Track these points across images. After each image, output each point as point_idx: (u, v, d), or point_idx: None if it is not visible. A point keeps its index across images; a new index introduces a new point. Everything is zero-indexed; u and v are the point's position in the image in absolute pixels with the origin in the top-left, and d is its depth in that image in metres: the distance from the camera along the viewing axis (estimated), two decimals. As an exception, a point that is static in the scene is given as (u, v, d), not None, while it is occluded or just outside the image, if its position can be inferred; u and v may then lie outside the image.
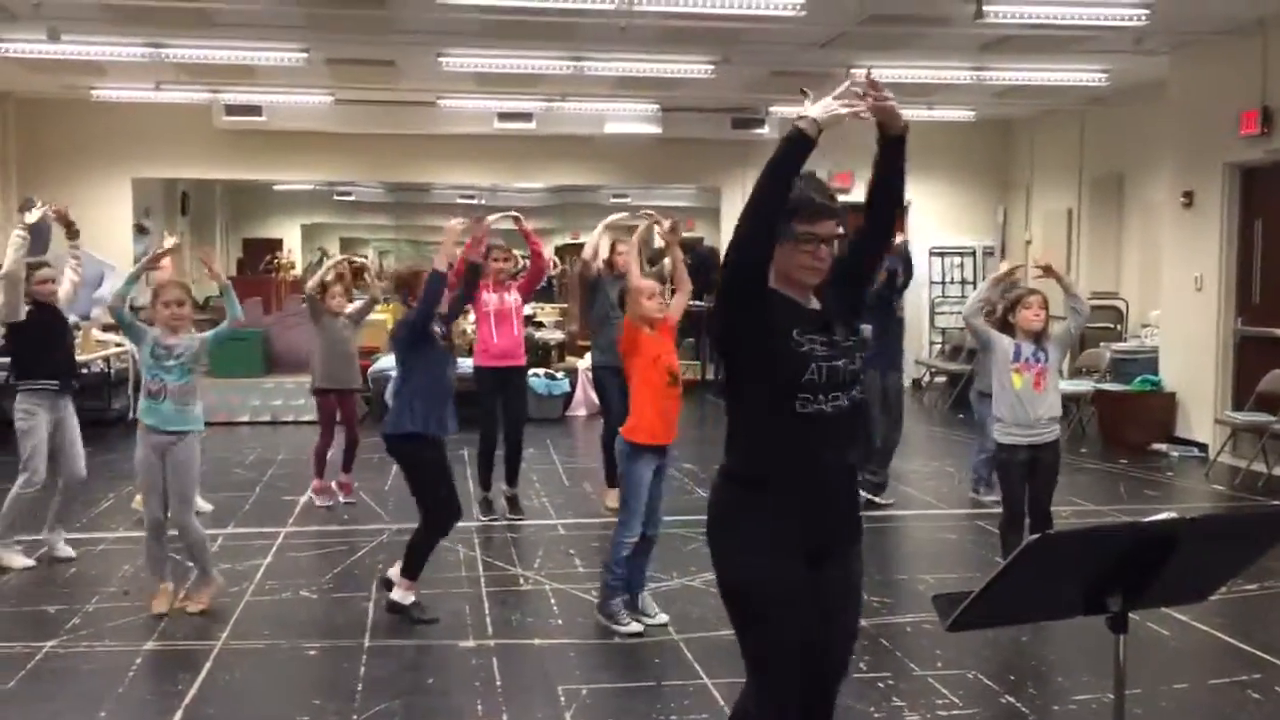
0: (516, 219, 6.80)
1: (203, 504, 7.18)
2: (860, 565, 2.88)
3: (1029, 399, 5.27)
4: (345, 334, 7.58)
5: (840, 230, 2.75)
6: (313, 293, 7.54)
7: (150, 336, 5.19)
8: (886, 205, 2.90)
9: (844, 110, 2.73)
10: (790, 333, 2.70)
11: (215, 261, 7.02)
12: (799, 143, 2.66)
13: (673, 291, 5.49)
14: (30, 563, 6.01)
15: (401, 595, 5.20)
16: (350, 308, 7.66)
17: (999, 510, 5.63)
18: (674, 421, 5.07)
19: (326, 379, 7.56)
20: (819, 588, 2.72)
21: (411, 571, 5.20)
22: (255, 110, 12.37)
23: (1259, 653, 4.86)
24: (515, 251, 7.92)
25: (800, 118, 2.70)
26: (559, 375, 11.82)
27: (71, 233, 6.20)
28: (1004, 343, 5.35)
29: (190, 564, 5.43)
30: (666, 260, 5.38)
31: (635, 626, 5.05)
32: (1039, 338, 5.37)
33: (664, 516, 5.16)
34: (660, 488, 5.09)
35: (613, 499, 7.31)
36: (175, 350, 5.17)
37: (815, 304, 2.82)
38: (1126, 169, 12.08)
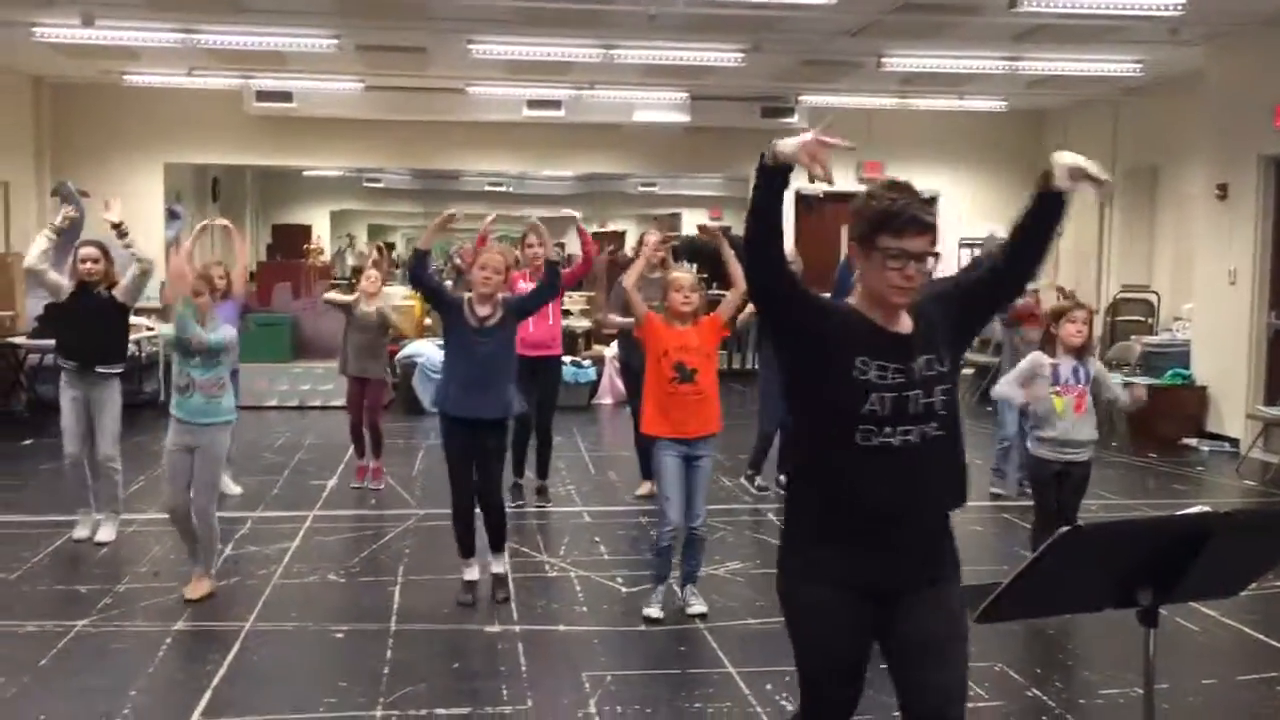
0: (573, 218, 6.79)
1: (233, 487, 7.25)
2: (941, 619, 2.57)
3: (1069, 421, 5.20)
4: (370, 324, 7.59)
5: (934, 247, 2.52)
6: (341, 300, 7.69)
7: (184, 321, 5.16)
8: (1030, 258, 2.69)
9: (810, 147, 2.50)
10: (852, 359, 2.51)
11: (241, 241, 7.03)
12: (761, 171, 2.53)
13: (708, 283, 5.42)
14: (86, 534, 6.13)
15: (463, 570, 5.34)
16: (376, 305, 7.67)
17: (1021, 503, 5.60)
18: (687, 417, 4.99)
19: (349, 366, 7.63)
20: (888, 634, 2.59)
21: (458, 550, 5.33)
22: (286, 96, 12.42)
23: (1289, 650, 4.82)
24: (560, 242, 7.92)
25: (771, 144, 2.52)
26: (585, 363, 11.83)
27: (120, 233, 6.07)
28: (1044, 369, 5.26)
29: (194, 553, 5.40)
30: (677, 274, 5.24)
31: (651, 612, 5.06)
32: (1080, 353, 5.29)
33: (700, 509, 5.08)
34: (695, 480, 5.04)
35: (643, 489, 7.35)
36: (198, 343, 5.14)
37: (905, 325, 2.59)
38: (1160, 161, 11.96)
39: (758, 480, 7.62)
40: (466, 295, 5.28)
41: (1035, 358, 5.32)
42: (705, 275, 14.54)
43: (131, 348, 10.54)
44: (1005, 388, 5.40)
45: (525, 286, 7.02)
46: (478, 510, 5.30)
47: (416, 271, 5.30)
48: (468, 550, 5.33)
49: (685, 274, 5.22)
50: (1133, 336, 11.36)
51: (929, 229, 2.51)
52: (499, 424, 5.25)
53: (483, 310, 5.19)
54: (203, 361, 5.16)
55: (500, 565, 5.41)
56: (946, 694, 2.57)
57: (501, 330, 5.21)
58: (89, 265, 6.04)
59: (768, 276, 2.56)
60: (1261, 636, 5.00)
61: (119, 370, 6.17)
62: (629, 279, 5.27)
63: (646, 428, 5.07)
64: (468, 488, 5.24)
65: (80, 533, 6.16)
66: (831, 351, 2.53)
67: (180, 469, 5.20)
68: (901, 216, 2.49)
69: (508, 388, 5.27)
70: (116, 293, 6.09)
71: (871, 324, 2.57)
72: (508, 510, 5.54)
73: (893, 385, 2.51)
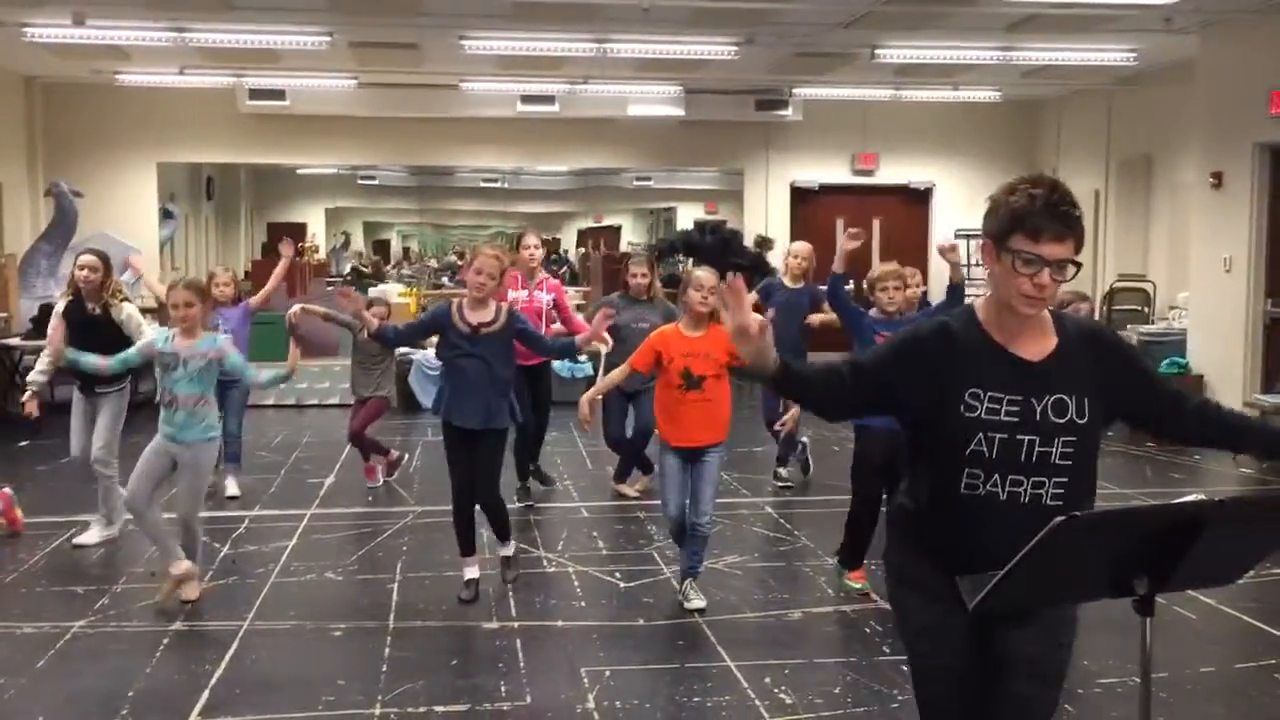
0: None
1: (234, 488, 7.23)
2: (1037, 644, 2.42)
3: None
4: (372, 350, 7.53)
5: (1076, 254, 2.28)
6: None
7: (153, 349, 5.16)
8: (1189, 441, 2.58)
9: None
10: (963, 392, 2.30)
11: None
12: (773, 384, 2.42)
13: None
14: (96, 538, 6.12)
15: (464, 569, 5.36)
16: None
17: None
18: (693, 425, 4.99)
19: (353, 386, 7.62)
20: (987, 648, 2.44)
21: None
22: (279, 94, 12.41)
23: (1287, 637, 4.82)
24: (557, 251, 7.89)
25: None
26: (582, 359, 11.81)
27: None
28: None
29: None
30: (699, 272, 5.22)
31: (695, 602, 5.08)
32: None
33: (706, 507, 5.07)
34: (702, 476, 5.02)
35: (644, 483, 7.37)
36: (184, 357, 5.09)
37: (1037, 349, 2.34)
38: (1155, 150, 11.96)
39: (784, 473, 7.67)
40: (454, 302, 5.26)
41: None
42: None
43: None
44: None
45: (515, 295, 7.01)
46: (477, 509, 5.30)
47: (390, 345, 5.36)
48: (467, 548, 5.32)
49: (708, 274, 5.12)
50: (1129, 326, 11.35)
51: (1070, 234, 2.25)
52: (493, 431, 5.21)
53: (476, 316, 5.15)
54: (188, 376, 5.11)
55: (508, 549, 5.45)
56: (1020, 703, 2.44)
57: (498, 339, 5.15)
58: (86, 273, 5.95)
59: (858, 414, 2.47)
60: (1259, 624, 5.00)
61: (119, 388, 6.09)
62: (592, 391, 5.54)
63: (660, 431, 5.10)
64: (465, 487, 5.24)
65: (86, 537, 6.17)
66: (948, 381, 2.32)
67: (153, 469, 5.15)
68: (1042, 216, 2.23)
69: (504, 396, 5.20)
70: (115, 315, 5.99)
71: (992, 344, 2.35)
72: (514, 508, 5.54)
73: (1005, 425, 2.29)
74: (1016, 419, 2.30)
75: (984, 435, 2.29)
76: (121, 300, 6.05)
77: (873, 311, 5.41)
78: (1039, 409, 2.31)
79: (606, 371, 7.11)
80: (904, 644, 2.57)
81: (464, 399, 5.12)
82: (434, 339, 5.87)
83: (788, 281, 7.52)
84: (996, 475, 2.30)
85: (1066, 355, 2.37)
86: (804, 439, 7.82)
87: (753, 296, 7.56)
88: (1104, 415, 2.39)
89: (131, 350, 5.34)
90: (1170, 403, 2.49)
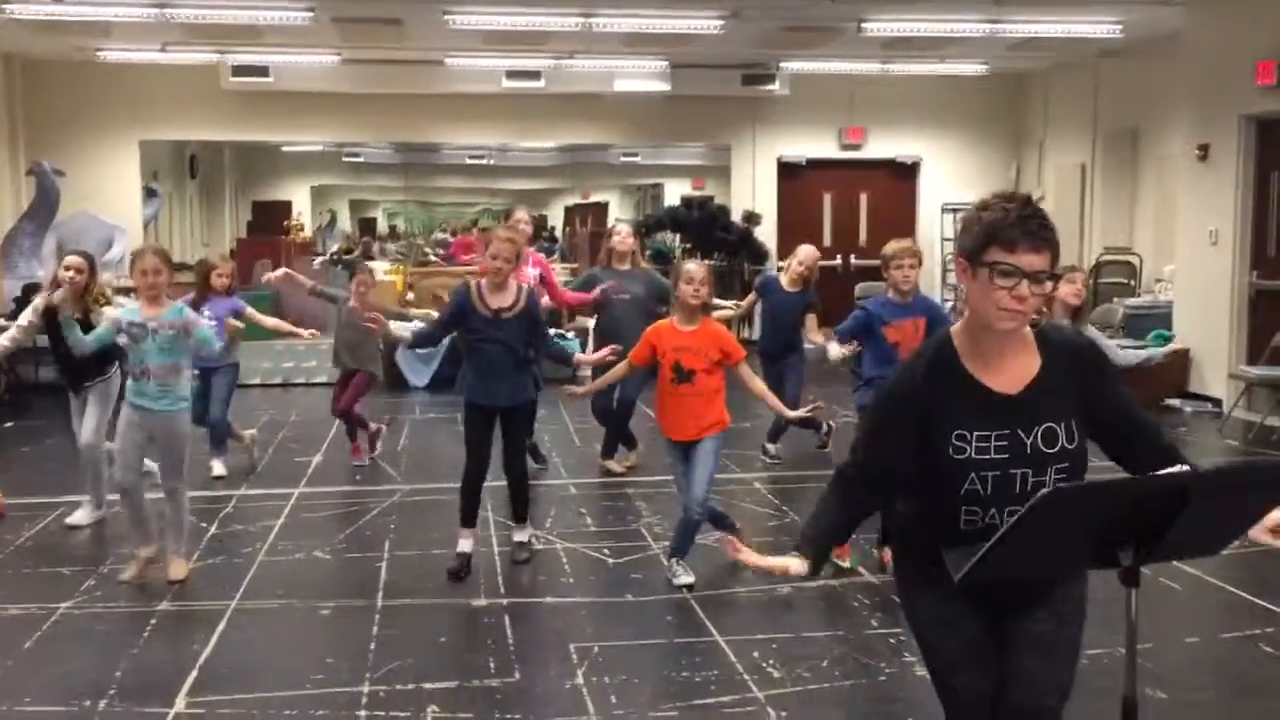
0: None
1: (219, 468, 7.21)
2: (1044, 623, 2.46)
3: None
4: (355, 320, 7.50)
5: (1053, 268, 2.26)
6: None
7: (119, 324, 5.08)
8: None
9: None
10: (950, 434, 2.30)
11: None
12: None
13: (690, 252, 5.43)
14: (88, 518, 6.10)
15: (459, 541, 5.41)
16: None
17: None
18: (686, 418, 5.00)
19: (337, 360, 7.58)
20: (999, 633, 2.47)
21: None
22: (262, 71, 12.30)
23: (1272, 607, 4.85)
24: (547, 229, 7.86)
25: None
26: (570, 335, 11.79)
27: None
28: None
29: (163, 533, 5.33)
30: (689, 265, 5.22)
31: (683, 579, 5.09)
32: (1076, 315, 5.27)
33: (698, 492, 5.03)
34: (696, 462, 5.01)
35: (633, 458, 7.38)
36: (152, 327, 5.03)
37: (1020, 376, 2.33)
38: (1141, 122, 11.94)
39: (772, 449, 7.67)
40: (472, 284, 5.30)
41: None
42: (689, 245, 14.57)
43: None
44: None
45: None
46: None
47: (431, 345, 5.41)
48: (469, 520, 5.35)
49: (699, 266, 5.12)
50: (1115, 299, 11.37)
51: (1046, 246, 2.23)
52: (521, 406, 5.40)
53: (496, 300, 5.22)
54: (157, 346, 5.05)
55: (524, 534, 5.52)
56: (1029, 677, 2.45)
57: (518, 322, 5.23)
58: (72, 274, 5.74)
59: (889, 495, 2.48)
60: (1244, 594, 5.03)
61: (104, 378, 6.01)
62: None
63: (658, 424, 5.14)
64: (482, 460, 5.30)
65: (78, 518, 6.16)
66: (930, 430, 2.32)
67: (133, 448, 5.12)
68: (1016, 228, 2.21)
69: (527, 371, 5.35)
70: (95, 320, 5.82)
71: (970, 381, 2.33)
72: (493, 485, 5.54)
73: (995, 462, 2.29)
74: (1007, 455, 2.30)
75: (976, 475, 2.29)
76: (103, 306, 5.94)
77: (889, 293, 5.35)
78: (1028, 442, 2.31)
79: (597, 344, 7.11)
80: (922, 642, 2.54)
81: (490, 381, 5.22)
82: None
83: (785, 283, 7.41)
84: (994, 509, 2.31)
85: (1051, 379, 2.36)
86: (831, 423, 7.90)
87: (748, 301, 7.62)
88: (1088, 433, 2.41)
89: (100, 329, 5.25)
90: (1145, 434, 2.50)
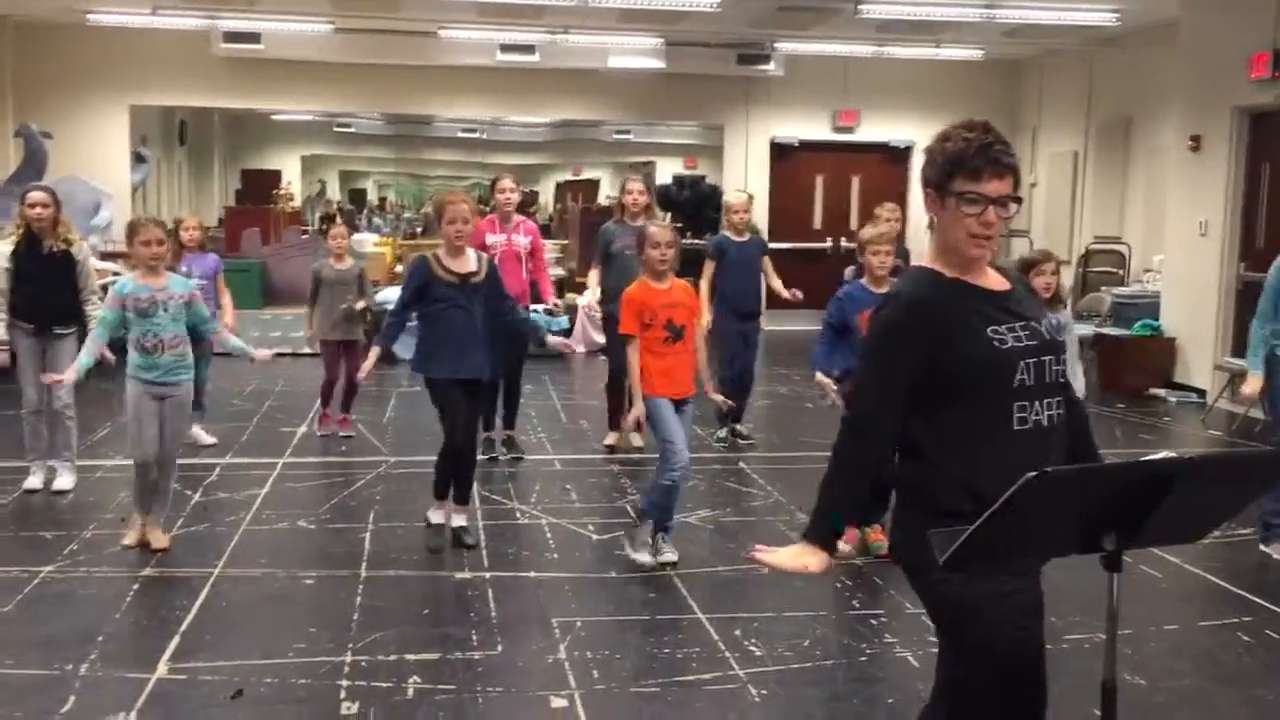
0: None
1: (206, 437, 7.19)
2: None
3: None
4: (349, 283, 7.49)
5: (1016, 192, 2.32)
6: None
7: (123, 300, 5.01)
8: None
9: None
10: (984, 330, 2.28)
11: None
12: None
13: (682, 231, 5.38)
14: (37, 485, 6.04)
15: (430, 513, 5.37)
16: (349, 263, 7.60)
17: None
18: (681, 377, 5.03)
19: (327, 331, 7.52)
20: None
21: (432, 490, 5.36)
22: (254, 38, 12.21)
23: (1250, 596, 4.89)
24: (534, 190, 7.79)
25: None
26: (556, 310, 11.76)
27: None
28: None
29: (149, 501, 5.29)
30: (654, 228, 5.19)
31: (642, 559, 5.07)
32: (1050, 305, 5.26)
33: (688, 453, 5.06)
34: (681, 425, 5.04)
35: (610, 438, 7.36)
36: (161, 298, 5.03)
37: (1000, 283, 2.40)
38: (1134, 112, 11.95)
39: (743, 429, 7.66)
40: (427, 256, 5.21)
41: None
42: (680, 225, 14.53)
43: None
44: None
45: (494, 239, 6.94)
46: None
47: (395, 337, 5.44)
48: (445, 491, 5.32)
49: (663, 229, 5.16)
50: (1103, 288, 11.41)
51: (1009, 171, 2.31)
52: (488, 380, 5.36)
53: (459, 265, 5.14)
54: (170, 317, 5.04)
55: (464, 517, 5.41)
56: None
57: (483, 288, 5.19)
58: (37, 210, 5.78)
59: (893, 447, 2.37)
60: (1223, 583, 5.07)
61: (76, 331, 5.95)
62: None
63: (645, 385, 5.04)
64: (463, 434, 5.21)
65: (32, 483, 6.05)
66: (960, 334, 2.28)
67: (152, 422, 5.08)
68: (977, 158, 2.28)
69: (489, 346, 5.27)
70: (76, 254, 5.90)
71: (972, 286, 2.35)
72: (479, 459, 5.55)
73: (1030, 349, 2.30)
74: (1036, 342, 2.32)
75: (1022, 363, 2.28)
76: (77, 239, 5.94)
77: (862, 280, 5.34)
78: (1042, 330, 2.35)
79: (604, 299, 7.06)
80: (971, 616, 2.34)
81: (463, 352, 5.11)
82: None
83: (732, 236, 7.46)
84: (1037, 403, 2.30)
85: (1019, 290, 2.45)
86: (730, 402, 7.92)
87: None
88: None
89: (105, 313, 5.15)
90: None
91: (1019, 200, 2.34)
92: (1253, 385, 5.48)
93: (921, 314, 2.33)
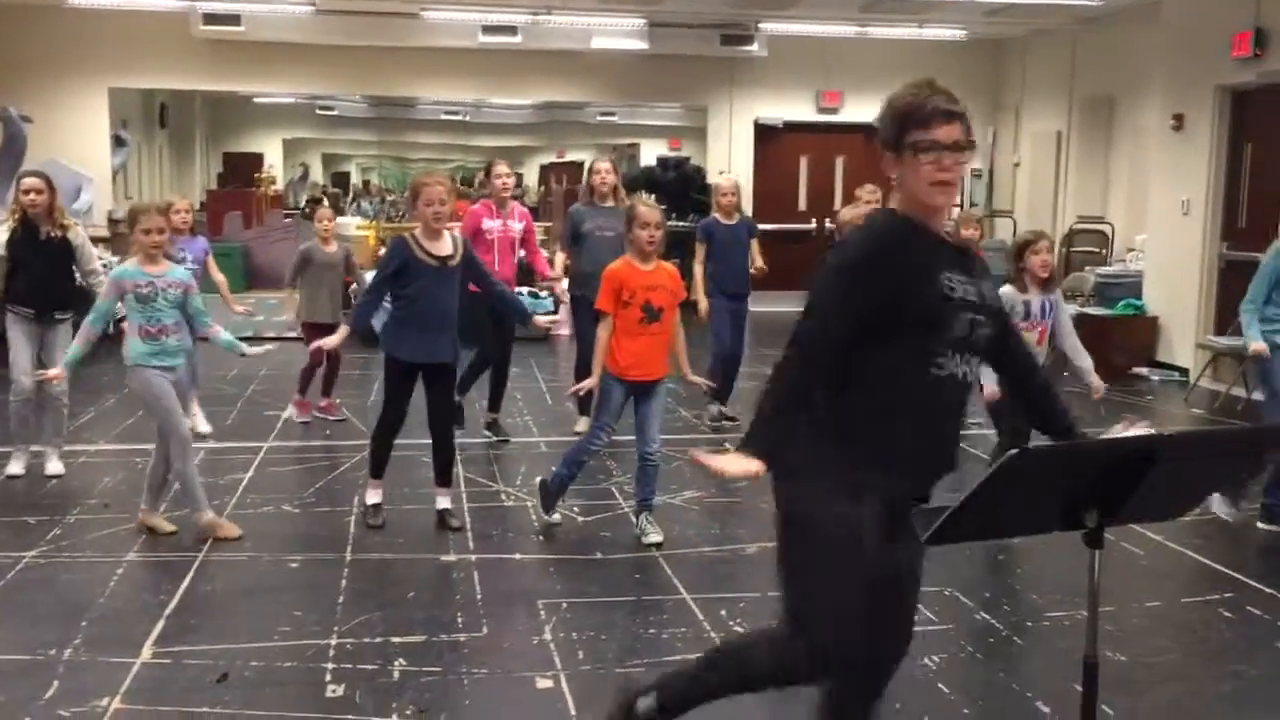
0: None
1: (204, 424, 7.15)
2: (921, 558, 2.63)
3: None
4: (337, 265, 7.46)
5: (968, 136, 2.42)
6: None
7: (122, 287, 5.00)
8: (1024, 391, 2.69)
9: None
10: (938, 276, 2.38)
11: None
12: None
13: (667, 214, 5.35)
14: (19, 470, 6.01)
15: (368, 493, 5.41)
16: (335, 247, 7.56)
17: (972, 433, 5.66)
18: (653, 359, 5.02)
19: (313, 314, 7.48)
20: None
21: (369, 469, 5.41)
22: (234, 19, 12.09)
23: (1232, 572, 4.93)
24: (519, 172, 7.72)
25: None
26: (543, 294, 11.75)
27: None
28: (1017, 306, 5.17)
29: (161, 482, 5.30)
30: (643, 209, 5.17)
31: (553, 518, 5.28)
32: (1046, 285, 5.27)
33: (658, 435, 5.14)
34: (651, 407, 5.08)
35: (583, 424, 7.35)
36: (161, 285, 5.04)
37: (958, 243, 2.56)
38: (1117, 91, 11.96)
39: (716, 409, 7.64)
40: (405, 238, 5.18)
41: (1008, 296, 5.20)
42: (665, 206, 14.49)
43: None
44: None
45: (490, 225, 6.92)
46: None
47: (369, 317, 5.41)
48: (382, 470, 5.36)
49: (653, 209, 5.12)
50: (1087, 267, 11.45)
51: (957, 117, 2.40)
52: (454, 362, 5.35)
53: (437, 248, 5.12)
54: (170, 304, 5.05)
55: (447, 499, 5.41)
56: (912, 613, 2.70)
57: (459, 271, 5.19)
58: (32, 196, 5.80)
59: (833, 373, 2.42)
60: (1205, 560, 5.11)
61: (72, 317, 5.96)
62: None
63: (609, 364, 5.03)
64: (404, 412, 5.27)
65: (14, 468, 6.02)
66: (914, 276, 2.37)
67: (175, 403, 5.11)
68: (925, 108, 2.39)
69: (456, 329, 5.28)
70: (74, 239, 5.89)
71: (932, 233, 2.44)
72: (460, 439, 5.53)
73: (970, 304, 2.41)
74: (975, 300, 2.42)
75: (960, 316, 2.39)
76: (72, 224, 5.93)
77: None
78: (984, 291, 2.46)
79: (573, 283, 7.04)
80: (830, 554, 2.45)
81: (434, 336, 5.12)
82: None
83: (721, 219, 7.45)
84: (957, 355, 2.41)
85: (971, 255, 2.55)
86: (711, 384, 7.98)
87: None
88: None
89: (101, 303, 5.14)
90: (1016, 338, 2.66)
91: (972, 144, 2.42)
92: (1257, 346, 5.44)
93: (887, 248, 2.41)
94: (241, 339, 5.57)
